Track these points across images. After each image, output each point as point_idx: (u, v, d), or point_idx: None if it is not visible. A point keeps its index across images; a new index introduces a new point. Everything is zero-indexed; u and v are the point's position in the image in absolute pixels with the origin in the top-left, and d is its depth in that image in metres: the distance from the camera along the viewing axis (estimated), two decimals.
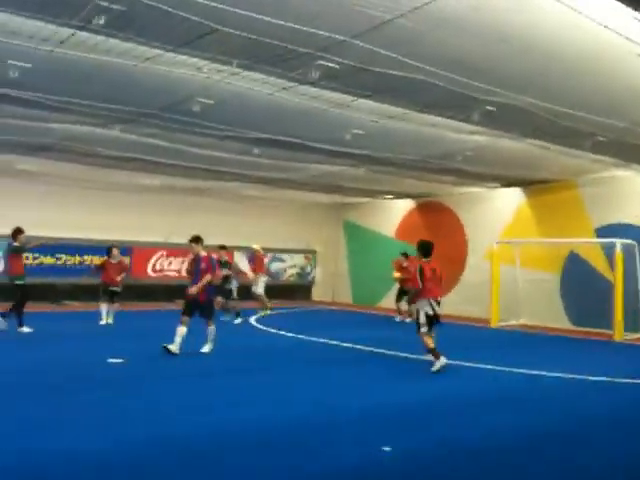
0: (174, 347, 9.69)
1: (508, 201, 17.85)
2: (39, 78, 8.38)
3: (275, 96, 9.10)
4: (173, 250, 20.24)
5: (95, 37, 6.99)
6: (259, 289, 16.68)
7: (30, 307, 16.44)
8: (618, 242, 13.86)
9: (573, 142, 11.60)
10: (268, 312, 16.78)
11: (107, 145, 12.73)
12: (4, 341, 11.08)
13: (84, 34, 6.89)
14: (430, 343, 9.13)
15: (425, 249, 9.60)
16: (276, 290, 22.66)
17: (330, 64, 7.57)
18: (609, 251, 14.49)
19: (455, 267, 18.88)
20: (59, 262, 18.31)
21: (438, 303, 9.35)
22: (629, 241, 14.18)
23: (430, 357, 9.18)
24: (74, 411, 6.28)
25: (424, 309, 9.21)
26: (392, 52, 7.12)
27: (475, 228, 18.66)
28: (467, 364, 9.78)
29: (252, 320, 15.67)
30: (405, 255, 16.72)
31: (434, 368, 8.93)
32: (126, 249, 19.14)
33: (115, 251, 14.25)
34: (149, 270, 19.95)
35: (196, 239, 10.74)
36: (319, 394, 7.56)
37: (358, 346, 11.54)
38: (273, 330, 13.86)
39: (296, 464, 4.90)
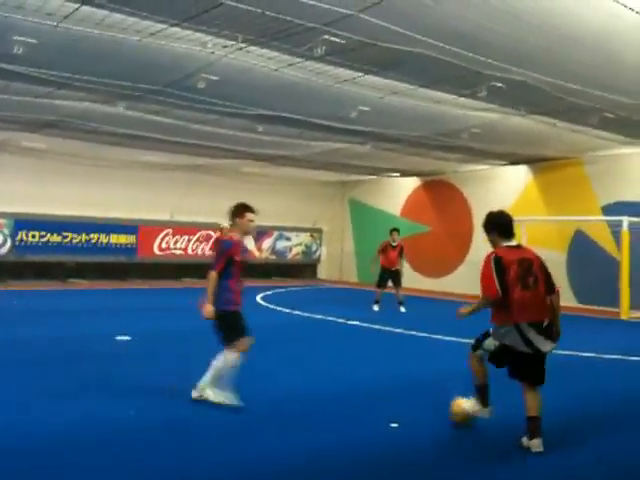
0: None
1: (515, 179, 17.76)
2: (44, 54, 8.32)
3: (280, 72, 9.03)
4: (179, 228, 20.26)
5: (99, 12, 6.94)
6: None
7: (37, 285, 16.58)
8: (625, 220, 13.81)
9: (580, 119, 11.50)
10: None
11: (111, 122, 12.70)
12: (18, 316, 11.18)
13: (88, 9, 6.83)
14: (480, 376, 5.23)
15: (500, 225, 5.30)
16: (282, 269, 22.77)
17: (336, 39, 7.49)
18: (616, 229, 14.43)
19: (461, 246, 18.88)
20: (65, 240, 18.33)
21: (543, 331, 4.88)
22: (636, 219, 14.10)
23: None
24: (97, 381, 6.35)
25: (507, 340, 4.90)
26: (398, 26, 7.03)
27: (482, 206, 18.38)
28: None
29: (258, 298, 15.73)
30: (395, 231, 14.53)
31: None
32: (132, 227, 19.24)
33: None
34: (155, 249, 19.97)
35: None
36: (328, 368, 7.60)
37: (364, 324, 11.58)
38: (279, 308, 13.92)
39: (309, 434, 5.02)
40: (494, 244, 5.22)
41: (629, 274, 13.74)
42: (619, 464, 4.63)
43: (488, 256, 5.09)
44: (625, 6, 6.37)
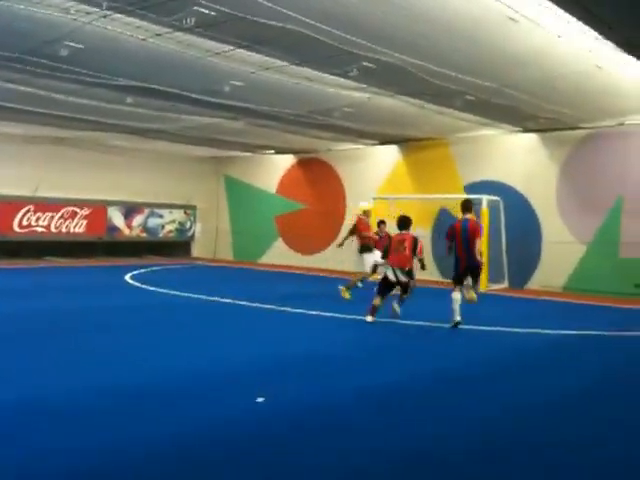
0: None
1: (385, 158, 18.33)
2: None
3: (149, 42, 8.71)
4: (41, 205, 19.11)
5: None
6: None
7: None
8: (484, 198, 14.64)
9: (445, 101, 12.04)
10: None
11: None
12: None
13: None
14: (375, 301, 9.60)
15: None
16: (154, 247, 22.18)
17: (206, 11, 7.33)
18: (476, 207, 15.24)
19: (335, 222, 19.27)
20: None
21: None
22: (494, 197, 15.03)
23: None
24: None
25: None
26: (269, 2, 6.99)
27: (354, 184, 19.04)
28: (340, 316, 10.10)
29: (127, 277, 15.23)
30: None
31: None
32: None
33: None
34: (15, 226, 18.74)
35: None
36: (198, 349, 7.52)
37: (238, 302, 11.55)
38: (152, 288, 13.54)
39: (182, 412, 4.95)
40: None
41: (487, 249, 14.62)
42: None
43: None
44: None
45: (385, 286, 9.74)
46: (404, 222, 10.06)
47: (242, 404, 5.23)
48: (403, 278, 9.74)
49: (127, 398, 5.33)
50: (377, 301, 9.57)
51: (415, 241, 9.87)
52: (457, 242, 9.51)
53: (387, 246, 10.10)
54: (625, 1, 6.40)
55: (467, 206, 9.85)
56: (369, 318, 9.43)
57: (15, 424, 4.57)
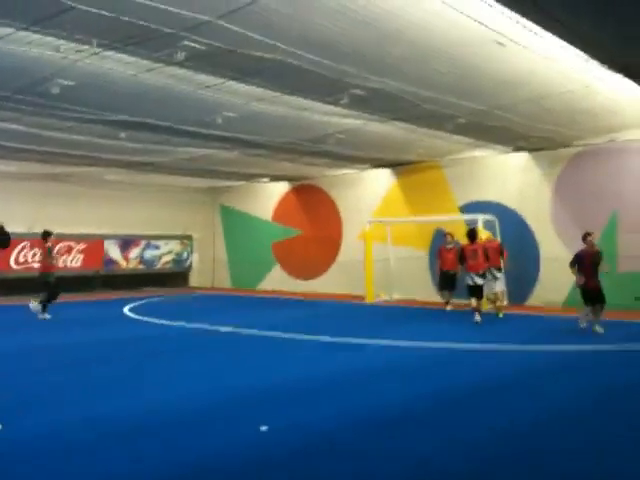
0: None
1: (379, 182, 18.38)
2: None
3: (140, 77, 8.77)
4: (37, 241, 19.04)
5: None
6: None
7: None
8: (480, 218, 14.65)
9: (436, 124, 12.11)
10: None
11: None
12: None
13: None
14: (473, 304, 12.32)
15: (468, 235, 12.69)
16: (152, 278, 22.12)
17: (196, 45, 7.41)
18: (472, 226, 15.25)
19: (332, 247, 19.31)
20: None
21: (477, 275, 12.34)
22: (490, 217, 15.05)
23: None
24: None
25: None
26: (258, 34, 7.07)
27: (349, 209, 19.09)
28: (343, 340, 10.04)
29: (126, 310, 15.17)
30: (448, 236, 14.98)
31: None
32: None
33: None
34: (12, 263, 18.70)
35: None
36: (197, 378, 7.46)
37: (238, 330, 11.49)
38: (150, 319, 13.47)
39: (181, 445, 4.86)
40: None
41: None
42: None
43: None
44: (473, 19, 6.78)
45: (471, 290, 12.30)
46: (473, 235, 12.53)
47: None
48: (479, 280, 12.24)
49: (128, 431, 5.27)
50: (474, 304, 12.16)
51: (485, 249, 12.43)
52: (584, 267, 10.77)
53: (461, 255, 12.53)
54: (610, 22, 6.47)
55: (585, 236, 11.21)
56: (478, 317, 11.98)
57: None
